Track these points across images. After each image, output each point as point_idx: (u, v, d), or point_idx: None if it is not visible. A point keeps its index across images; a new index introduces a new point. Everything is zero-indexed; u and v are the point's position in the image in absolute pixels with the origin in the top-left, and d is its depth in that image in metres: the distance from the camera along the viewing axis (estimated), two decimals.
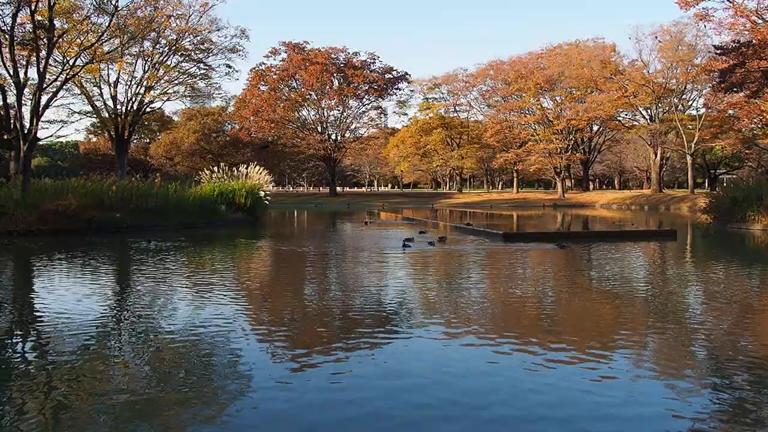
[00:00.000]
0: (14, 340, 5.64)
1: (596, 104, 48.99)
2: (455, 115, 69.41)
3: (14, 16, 19.20)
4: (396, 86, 62.99)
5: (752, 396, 4.04)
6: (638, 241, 15.26)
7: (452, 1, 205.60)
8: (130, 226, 18.28)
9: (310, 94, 60.88)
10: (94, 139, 66.38)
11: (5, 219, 16.79)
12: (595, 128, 58.83)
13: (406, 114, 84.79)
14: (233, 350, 5.19)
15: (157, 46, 38.56)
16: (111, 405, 3.86)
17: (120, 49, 33.24)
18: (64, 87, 24.33)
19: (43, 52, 20.31)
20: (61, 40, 21.57)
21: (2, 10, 20.61)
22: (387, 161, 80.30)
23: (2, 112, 20.90)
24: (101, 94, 38.08)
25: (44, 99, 20.06)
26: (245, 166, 26.88)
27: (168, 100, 42.60)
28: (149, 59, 38.42)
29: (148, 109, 42.70)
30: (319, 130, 62.48)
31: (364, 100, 62.09)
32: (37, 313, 6.83)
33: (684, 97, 49.89)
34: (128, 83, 38.40)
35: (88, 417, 3.70)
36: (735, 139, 46.98)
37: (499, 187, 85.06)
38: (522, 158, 56.02)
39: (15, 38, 19.30)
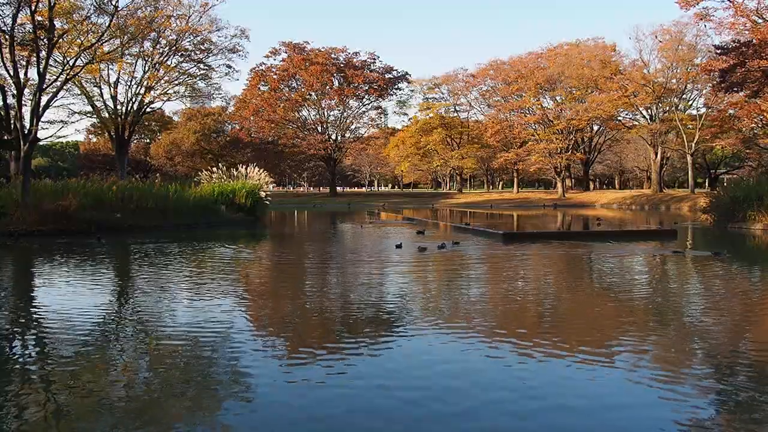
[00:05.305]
0: (14, 341, 5.63)
1: (596, 104, 48.99)
2: (455, 115, 69.42)
3: (14, 17, 19.18)
4: (396, 86, 63.00)
5: (752, 396, 4.03)
6: (639, 241, 15.24)
7: (453, 2, 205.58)
8: (131, 227, 18.27)
9: (311, 95, 60.89)
10: (95, 140, 66.40)
11: (5, 219, 16.79)
12: (596, 128, 58.84)
13: (406, 114, 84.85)
14: (233, 351, 5.19)
15: (158, 47, 38.61)
16: (110, 405, 3.86)
17: (120, 49, 33.23)
18: (64, 87, 24.32)
19: (43, 53, 20.29)
20: (61, 40, 21.56)
21: (2, 11, 20.63)
22: (387, 161, 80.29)
23: (2, 113, 20.89)
24: (101, 95, 38.16)
25: (44, 99, 20.04)
26: (245, 166, 26.89)
27: (168, 100, 42.69)
28: (149, 59, 38.44)
29: (148, 110, 42.75)
30: (320, 130, 62.48)
31: (365, 100, 62.10)
32: (37, 314, 6.82)
33: (684, 96, 49.85)
34: (128, 83, 38.48)
35: (88, 417, 3.70)
36: (735, 138, 46.95)
37: (500, 187, 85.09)
38: (522, 158, 56.03)
39: (15, 39, 19.29)
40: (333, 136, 62.66)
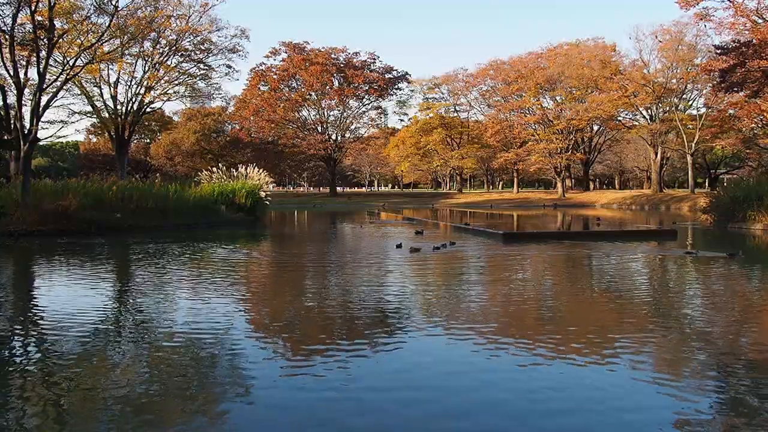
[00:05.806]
0: (14, 341, 5.63)
1: (596, 104, 49.01)
2: (455, 115, 69.45)
3: (14, 17, 19.18)
4: (396, 86, 63.01)
5: (752, 395, 4.03)
6: (639, 241, 15.23)
7: (453, 2, 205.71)
8: (131, 227, 18.27)
9: (311, 95, 60.90)
10: (95, 140, 66.42)
11: (5, 219, 16.79)
12: (596, 128, 58.84)
13: (406, 114, 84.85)
14: (233, 351, 5.19)
15: (158, 47, 38.61)
16: (110, 406, 3.85)
17: (120, 49, 33.23)
18: (64, 87, 24.32)
19: (43, 53, 20.28)
20: (61, 40, 21.56)
21: (2, 11, 20.60)
22: (387, 161, 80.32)
23: (2, 113, 20.89)
24: (101, 95, 38.16)
25: (44, 99, 20.05)
26: (245, 166, 26.90)
27: (168, 100, 42.70)
28: (149, 59, 38.44)
29: (148, 110, 42.74)
30: (320, 130, 62.48)
31: (365, 100, 62.11)
32: (37, 314, 6.81)
33: (684, 96, 49.86)
34: (128, 83, 38.49)
35: (88, 417, 3.70)
36: (735, 138, 46.97)
37: (500, 187, 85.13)
38: (522, 158, 56.05)
39: (15, 38, 19.28)
40: (333, 136, 62.67)
